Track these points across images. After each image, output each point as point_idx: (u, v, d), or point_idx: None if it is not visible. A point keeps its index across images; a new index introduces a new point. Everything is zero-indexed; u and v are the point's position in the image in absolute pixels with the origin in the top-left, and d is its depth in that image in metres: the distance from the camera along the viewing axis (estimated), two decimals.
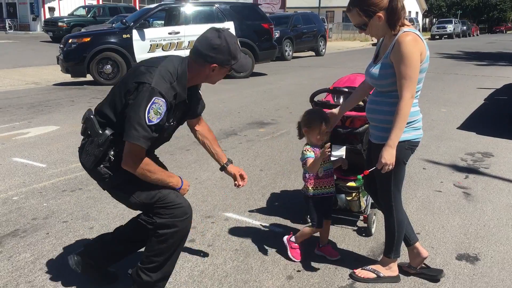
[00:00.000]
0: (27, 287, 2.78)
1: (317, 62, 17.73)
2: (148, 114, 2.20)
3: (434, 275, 2.91)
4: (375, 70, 2.61)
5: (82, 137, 2.52)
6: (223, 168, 2.97)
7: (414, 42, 2.46)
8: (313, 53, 21.01)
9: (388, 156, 2.49)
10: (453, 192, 4.38)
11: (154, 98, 2.21)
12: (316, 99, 3.49)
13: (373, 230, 3.50)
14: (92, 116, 2.44)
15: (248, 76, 12.66)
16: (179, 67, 2.39)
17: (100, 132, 2.37)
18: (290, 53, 18.73)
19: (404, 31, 2.49)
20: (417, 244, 2.92)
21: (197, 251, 3.23)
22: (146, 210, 2.49)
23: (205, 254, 3.19)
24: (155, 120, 2.23)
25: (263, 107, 8.51)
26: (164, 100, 2.24)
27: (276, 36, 16.77)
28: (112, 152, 2.39)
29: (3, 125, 7.02)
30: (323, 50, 21.16)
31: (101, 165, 2.40)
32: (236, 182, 2.92)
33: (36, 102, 8.97)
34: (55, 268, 3.00)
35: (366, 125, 3.34)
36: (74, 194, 4.27)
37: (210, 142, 2.94)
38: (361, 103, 3.27)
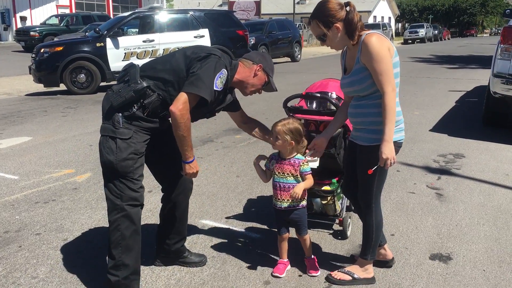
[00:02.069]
0: None
1: (293, 68, 17.85)
2: (216, 80, 2.55)
3: (387, 261, 3.09)
4: (350, 78, 2.69)
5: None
6: None
7: (379, 39, 2.57)
8: (289, 59, 21.14)
9: (388, 150, 2.55)
10: (426, 193, 4.46)
11: (222, 69, 2.59)
12: (289, 104, 3.52)
13: (348, 233, 3.54)
14: (136, 65, 2.68)
15: None
16: (232, 60, 2.79)
17: (139, 81, 2.59)
18: None
19: (367, 33, 2.59)
20: (386, 246, 3.07)
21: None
22: (109, 176, 2.64)
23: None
24: (219, 88, 2.58)
25: None
26: (226, 71, 2.61)
27: (252, 42, 16.86)
28: (138, 104, 2.60)
29: None
30: (299, 56, 21.32)
31: (120, 114, 2.60)
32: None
33: (8, 113, 8.81)
34: (28, 281, 2.95)
35: (339, 130, 3.38)
36: (48, 205, 4.20)
37: (261, 129, 3.22)
38: (333, 107, 3.32)
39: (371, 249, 2.91)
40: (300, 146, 2.95)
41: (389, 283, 2.90)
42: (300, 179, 2.91)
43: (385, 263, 3.10)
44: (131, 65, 2.71)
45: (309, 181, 2.92)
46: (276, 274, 2.98)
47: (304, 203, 2.98)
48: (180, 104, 2.52)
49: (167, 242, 3.07)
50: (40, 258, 3.25)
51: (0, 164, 5.49)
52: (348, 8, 2.58)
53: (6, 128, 7.48)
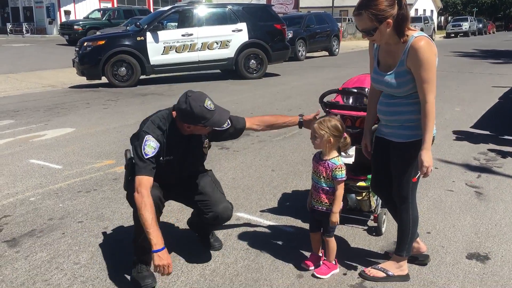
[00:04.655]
0: (43, 285, 2.87)
1: (331, 62, 17.71)
2: (143, 150, 2.72)
3: (421, 259, 3.07)
4: (391, 79, 2.64)
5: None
6: (301, 124, 3.28)
7: (429, 46, 2.53)
8: (327, 53, 20.95)
9: (428, 159, 2.56)
10: (465, 191, 4.37)
11: (145, 137, 2.75)
12: (325, 99, 3.52)
13: (383, 229, 3.52)
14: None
15: (261, 77, 12.71)
16: (169, 115, 2.85)
17: (126, 155, 3.08)
18: (303, 54, 18.70)
19: (416, 37, 2.53)
20: (418, 239, 3.07)
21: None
22: None
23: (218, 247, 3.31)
24: (151, 153, 2.73)
25: (276, 107, 8.55)
26: (152, 137, 2.75)
27: (289, 36, 16.78)
28: None
29: (21, 127, 7.17)
30: (337, 50, 21.10)
31: None
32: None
33: (53, 105, 9.13)
34: (71, 267, 3.08)
35: (375, 125, 3.36)
36: (89, 195, 4.36)
37: (274, 120, 3.30)
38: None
39: (407, 245, 2.90)
40: (342, 144, 2.89)
41: (424, 281, 2.88)
42: (330, 182, 2.84)
43: (419, 259, 3.07)
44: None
45: (338, 196, 2.83)
46: (303, 266, 3.01)
47: None
48: (136, 188, 2.68)
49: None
50: (82, 245, 3.39)
51: (45, 154, 5.72)
52: (401, 3, 2.49)
53: (51, 119, 7.77)
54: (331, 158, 2.84)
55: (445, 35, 42.51)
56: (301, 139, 6.25)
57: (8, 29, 33.94)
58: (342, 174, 2.82)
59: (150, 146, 2.73)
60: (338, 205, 2.83)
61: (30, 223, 3.75)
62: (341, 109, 3.50)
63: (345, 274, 2.97)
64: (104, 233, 3.58)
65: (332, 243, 2.96)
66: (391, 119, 2.74)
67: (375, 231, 3.52)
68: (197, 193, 3.03)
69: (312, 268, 3.01)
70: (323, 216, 2.91)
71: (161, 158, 2.82)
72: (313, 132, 2.85)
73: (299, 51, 18.34)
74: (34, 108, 8.77)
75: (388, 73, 2.66)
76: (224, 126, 3.04)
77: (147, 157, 2.71)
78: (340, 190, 2.84)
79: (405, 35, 2.55)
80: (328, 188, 2.87)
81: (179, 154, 2.91)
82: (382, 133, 2.86)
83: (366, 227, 3.61)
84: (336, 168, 2.82)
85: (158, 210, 2.84)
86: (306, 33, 18.94)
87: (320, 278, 2.91)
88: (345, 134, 2.90)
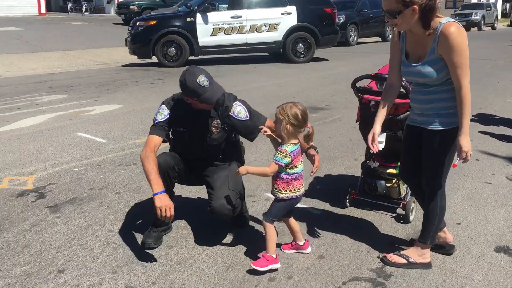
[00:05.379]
0: (78, 249, 3.07)
1: (383, 48, 17.24)
2: (156, 116, 3.12)
3: (447, 249, 3.05)
4: (423, 69, 2.62)
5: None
6: (305, 152, 3.24)
7: (459, 31, 2.49)
8: (379, 39, 20.48)
9: (467, 143, 2.56)
10: (503, 184, 4.24)
11: (160, 106, 3.15)
12: (358, 85, 3.50)
13: (411, 217, 3.49)
14: None
15: (308, 61, 12.62)
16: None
17: None
18: (355, 39, 18.36)
19: (444, 23, 2.50)
20: (445, 229, 3.05)
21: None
22: None
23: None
24: (160, 119, 3.10)
25: (319, 92, 8.52)
26: (165, 106, 3.13)
27: (341, 20, 16.52)
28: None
29: (73, 102, 7.53)
30: (390, 36, 20.54)
31: None
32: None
33: (104, 82, 9.49)
34: (105, 234, 3.27)
35: (407, 112, 3.33)
36: (129, 168, 4.56)
37: None
38: (402, 90, 3.26)
39: (432, 234, 2.89)
40: (305, 135, 2.81)
41: (446, 270, 2.86)
42: (282, 169, 2.75)
43: (445, 248, 3.05)
44: None
45: (264, 169, 2.81)
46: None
47: (281, 195, 2.81)
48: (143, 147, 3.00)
49: None
50: (117, 214, 3.58)
51: (92, 128, 6.00)
52: None
53: (101, 95, 8.10)
54: (284, 144, 2.75)
55: (509, 23, 40.37)
56: (340, 125, 6.23)
57: (68, 8, 35.19)
58: (280, 158, 2.69)
59: (161, 113, 3.11)
60: (253, 171, 2.86)
61: (72, 192, 3.99)
62: (373, 94, 3.49)
63: (379, 257, 3.00)
64: (139, 205, 3.76)
65: (269, 230, 2.83)
66: (427, 107, 2.72)
67: (403, 219, 3.50)
68: (208, 184, 3.15)
69: (289, 251, 3.05)
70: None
71: (174, 127, 3.13)
72: (276, 116, 2.77)
73: (350, 36, 18.02)
74: (86, 84, 9.16)
75: (419, 63, 2.64)
76: (242, 116, 3.09)
77: (156, 121, 3.09)
78: (268, 169, 2.74)
79: (430, 28, 2.52)
80: (280, 175, 2.78)
81: (189, 127, 3.13)
82: (415, 122, 2.84)
83: (394, 214, 3.60)
84: (279, 151, 2.71)
85: (168, 178, 3.06)
86: (358, 17, 18.55)
87: (255, 269, 2.77)
88: (309, 125, 2.79)
